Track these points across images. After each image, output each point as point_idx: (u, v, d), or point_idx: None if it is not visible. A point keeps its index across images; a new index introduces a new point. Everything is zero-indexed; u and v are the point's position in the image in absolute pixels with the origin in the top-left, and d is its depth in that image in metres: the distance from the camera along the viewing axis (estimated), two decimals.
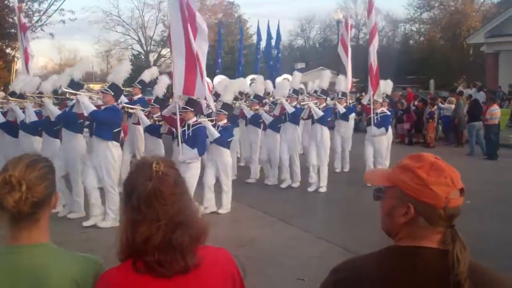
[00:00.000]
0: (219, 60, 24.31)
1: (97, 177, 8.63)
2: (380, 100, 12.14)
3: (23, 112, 9.91)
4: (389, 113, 12.41)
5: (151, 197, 1.78)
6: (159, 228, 1.76)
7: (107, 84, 10.63)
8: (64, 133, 9.43)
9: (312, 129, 11.76)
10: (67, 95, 9.34)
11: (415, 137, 19.78)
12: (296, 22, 58.08)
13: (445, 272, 1.57)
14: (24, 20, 14.62)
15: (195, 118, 9.11)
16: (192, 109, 9.07)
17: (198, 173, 8.99)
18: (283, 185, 11.83)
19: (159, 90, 11.02)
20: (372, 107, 11.92)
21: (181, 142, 8.84)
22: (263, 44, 24.86)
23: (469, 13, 41.55)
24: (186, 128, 8.97)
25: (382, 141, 12.14)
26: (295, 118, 11.80)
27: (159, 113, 10.36)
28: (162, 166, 1.82)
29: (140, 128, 10.94)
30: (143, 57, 49.86)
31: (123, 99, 11.09)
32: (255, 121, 12.52)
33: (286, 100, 11.66)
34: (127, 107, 10.64)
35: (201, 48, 8.53)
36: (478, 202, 9.09)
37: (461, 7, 42.31)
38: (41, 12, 26.02)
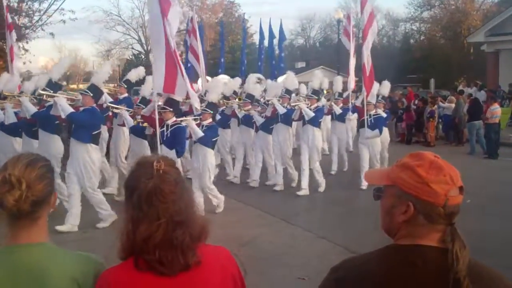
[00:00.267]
0: (222, 60, 24.16)
1: (79, 183, 8.38)
2: (374, 101, 11.87)
3: (4, 113, 9.74)
4: (384, 114, 12.13)
5: (152, 195, 1.79)
6: (160, 227, 1.77)
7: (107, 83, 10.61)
8: (41, 134, 9.31)
9: (303, 130, 11.55)
10: (45, 97, 9.11)
11: (416, 136, 19.77)
12: (297, 21, 58.31)
13: (445, 270, 1.57)
14: (11, 21, 14.54)
15: (174, 118, 8.86)
16: (171, 109, 8.82)
17: None
18: (277, 188, 11.48)
19: (146, 90, 10.69)
20: (365, 108, 11.66)
21: (160, 143, 8.56)
22: (265, 43, 24.76)
23: (469, 12, 41.53)
24: (165, 128, 8.72)
25: (377, 143, 11.87)
26: (287, 119, 11.54)
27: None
28: (163, 165, 1.84)
29: (125, 130, 10.68)
30: (143, 56, 49.83)
31: (108, 98, 10.94)
32: (248, 121, 12.21)
33: (278, 101, 11.50)
34: (112, 107, 10.40)
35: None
36: (479, 201, 9.11)
37: (462, 6, 42.28)
38: (42, 12, 25.96)
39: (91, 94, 8.63)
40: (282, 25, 24.03)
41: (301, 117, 11.31)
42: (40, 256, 1.88)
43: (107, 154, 11.48)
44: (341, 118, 13.47)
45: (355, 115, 15.61)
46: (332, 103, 13.51)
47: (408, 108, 20.02)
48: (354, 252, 6.29)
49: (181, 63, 8.32)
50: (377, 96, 12.97)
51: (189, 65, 19.01)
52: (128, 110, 10.19)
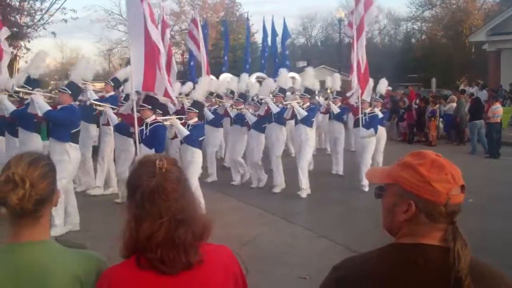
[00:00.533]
0: (226, 58, 24.02)
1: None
2: (369, 99, 11.65)
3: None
4: (379, 114, 11.81)
5: (154, 193, 1.79)
6: (162, 225, 1.78)
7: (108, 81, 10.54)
8: (20, 133, 9.18)
9: (295, 130, 11.34)
10: (21, 94, 8.90)
11: (417, 136, 19.76)
12: (298, 20, 58.13)
13: (446, 269, 1.57)
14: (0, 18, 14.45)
15: (153, 117, 8.62)
16: (150, 107, 8.57)
17: None
18: (276, 190, 11.17)
19: (129, 87, 10.15)
20: (360, 107, 11.39)
21: (139, 142, 8.33)
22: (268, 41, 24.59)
23: (471, 11, 41.49)
24: (144, 127, 8.47)
25: (371, 143, 11.45)
26: (280, 118, 11.26)
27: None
28: (165, 163, 1.84)
29: (111, 129, 10.42)
30: None
31: (93, 95, 10.76)
32: (240, 120, 11.94)
33: (272, 99, 11.33)
34: (96, 104, 10.12)
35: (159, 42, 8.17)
36: (480, 201, 9.11)
37: (463, 5, 42.25)
38: (43, 11, 26.02)
39: (69, 92, 8.40)
40: (286, 23, 23.90)
41: (294, 116, 11.10)
42: (42, 254, 1.88)
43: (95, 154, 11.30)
44: (339, 117, 13.22)
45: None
46: (330, 102, 13.29)
47: (409, 108, 20.02)
48: (355, 251, 6.29)
49: (161, 60, 8.04)
50: (375, 94, 12.89)
51: (192, 63, 18.99)
52: (113, 108, 9.90)
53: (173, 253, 1.78)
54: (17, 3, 25.41)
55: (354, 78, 13.99)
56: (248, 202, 10.22)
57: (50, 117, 8.24)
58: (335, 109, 13.00)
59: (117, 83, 11.60)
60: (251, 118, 11.43)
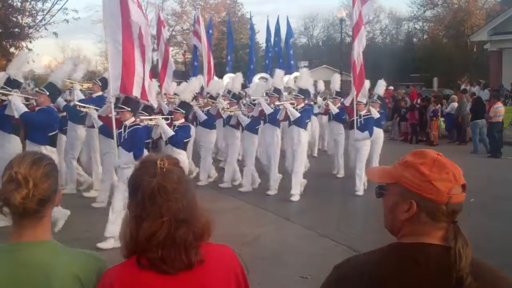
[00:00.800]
0: (229, 57, 23.85)
1: None
2: (364, 101, 11.26)
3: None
4: (376, 115, 11.58)
5: (155, 193, 1.80)
6: (163, 225, 1.78)
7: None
8: None
9: (288, 131, 11.00)
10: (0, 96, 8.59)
11: (419, 135, 19.75)
12: (299, 20, 58.14)
13: (447, 269, 1.57)
14: None
15: (133, 119, 8.19)
16: (129, 109, 8.12)
17: None
18: (271, 192, 10.89)
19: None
20: (355, 108, 11.02)
21: (117, 145, 7.96)
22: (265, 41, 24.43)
23: (472, 11, 41.47)
24: (122, 129, 8.07)
25: (366, 145, 11.08)
26: (274, 119, 10.90)
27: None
28: (166, 163, 1.85)
29: (96, 131, 10.08)
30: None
31: (80, 95, 10.61)
32: (233, 122, 11.60)
33: (266, 100, 11.04)
34: (80, 105, 9.83)
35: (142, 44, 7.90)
36: (482, 200, 9.11)
37: (465, 5, 42.24)
38: (45, 11, 26.04)
39: (47, 93, 8.22)
40: (289, 23, 23.74)
41: (287, 118, 10.76)
42: (44, 254, 1.88)
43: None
44: (338, 118, 12.79)
45: None
46: (329, 103, 12.96)
47: (412, 107, 20.01)
48: (356, 251, 6.30)
49: (137, 61, 7.75)
50: (373, 95, 12.67)
51: (195, 64, 18.95)
52: (96, 109, 9.60)
53: (174, 252, 1.78)
54: (19, 4, 25.43)
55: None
56: (250, 202, 10.22)
57: (26, 119, 8.08)
58: (334, 109, 12.71)
59: (105, 83, 11.42)
60: (244, 120, 11.19)
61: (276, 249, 7.41)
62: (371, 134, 10.90)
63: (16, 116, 8.03)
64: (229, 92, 12.70)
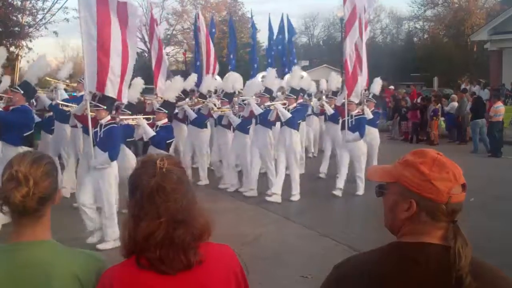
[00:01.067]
0: (231, 56, 23.68)
1: None
2: (356, 100, 10.85)
3: None
4: (370, 115, 11.42)
5: (154, 193, 1.79)
6: (161, 225, 1.78)
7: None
8: None
9: (280, 132, 10.62)
10: None
11: (420, 135, 19.74)
12: (300, 19, 58.09)
13: (447, 268, 1.57)
14: None
15: (109, 117, 7.91)
16: (105, 107, 7.84)
17: (114, 181, 7.61)
18: (248, 193, 10.66)
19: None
20: (346, 108, 10.63)
21: (93, 145, 7.68)
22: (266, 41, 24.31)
23: (473, 11, 41.47)
24: (98, 128, 7.76)
25: (358, 146, 10.76)
26: (265, 120, 10.56)
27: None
28: (166, 163, 1.84)
29: (80, 131, 9.66)
30: (146, 55, 49.81)
31: (64, 94, 10.47)
32: (225, 122, 11.32)
33: (256, 101, 10.74)
34: (62, 105, 9.65)
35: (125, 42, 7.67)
36: (482, 200, 9.10)
37: (465, 5, 42.24)
38: (45, 10, 26.05)
39: (22, 92, 8.02)
40: (290, 20, 23.60)
41: (278, 118, 10.44)
42: (43, 254, 1.88)
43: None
44: (334, 118, 12.25)
45: None
46: (324, 103, 12.63)
47: (412, 107, 20.01)
48: (357, 250, 6.30)
49: (114, 59, 7.50)
50: (368, 94, 12.50)
51: (198, 64, 18.94)
52: None
53: (172, 253, 1.78)
54: (19, 3, 25.44)
55: (362, 77, 13.67)
56: (250, 202, 10.22)
57: (0, 120, 7.83)
58: (329, 110, 12.32)
59: None
60: (234, 120, 10.91)
61: (277, 248, 7.41)
62: (362, 135, 10.59)
63: None
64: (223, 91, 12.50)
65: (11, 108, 8.17)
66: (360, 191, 10.69)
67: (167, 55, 51.65)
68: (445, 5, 44.45)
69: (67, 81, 10.84)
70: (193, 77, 13.50)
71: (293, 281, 6.25)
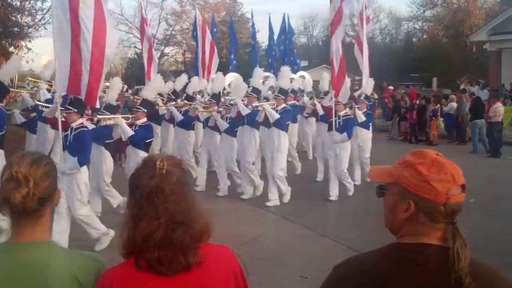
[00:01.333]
0: (232, 56, 23.57)
1: None
2: (344, 101, 10.47)
3: None
4: (359, 118, 11.17)
5: (152, 194, 1.79)
6: (159, 226, 1.78)
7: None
8: None
9: (268, 133, 10.33)
10: None
11: (418, 135, 19.74)
12: (299, 20, 58.07)
13: (446, 269, 1.57)
14: None
15: (80, 121, 7.65)
16: (76, 110, 7.55)
17: (85, 187, 7.30)
18: (244, 197, 10.49)
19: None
20: (333, 109, 10.27)
21: (63, 149, 7.38)
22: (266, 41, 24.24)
23: (472, 11, 41.46)
24: (69, 132, 7.50)
25: (345, 149, 10.43)
26: (253, 121, 10.32)
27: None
28: (166, 164, 1.84)
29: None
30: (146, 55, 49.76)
31: (47, 95, 10.31)
32: (211, 123, 11.00)
33: (243, 101, 10.51)
34: (41, 105, 9.48)
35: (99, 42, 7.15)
36: (481, 200, 9.11)
37: (464, 5, 42.23)
38: (44, 10, 26.00)
39: None
40: (290, 20, 23.53)
41: (267, 119, 10.05)
42: (42, 255, 1.88)
43: None
44: (325, 119, 11.48)
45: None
46: (316, 103, 12.18)
47: (411, 107, 20.02)
48: (356, 251, 6.30)
49: (84, 60, 7.04)
50: (359, 95, 12.29)
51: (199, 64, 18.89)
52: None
53: (171, 254, 1.78)
54: (18, 3, 25.38)
55: (364, 76, 13.20)
56: (249, 202, 10.21)
57: None
58: (321, 110, 11.81)
59: None
60: (221, 124, 10.59)
61: (276, 249, 7.41)
62: (349, 136, 10.27)
63: None
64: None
65: None
66: (333, 196, 10.26)
67: (166, 55, 51.88)
68: (444, 5, 44.44)
69: (52, 81, 10.78)
70: (184, 77, 13.47)
71: (292, 281, 6.25)
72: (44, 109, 9.37)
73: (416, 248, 1.65)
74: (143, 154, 8.16)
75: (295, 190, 10.52)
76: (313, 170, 12.74)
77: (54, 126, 7.97)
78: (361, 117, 11.41)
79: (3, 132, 8.03)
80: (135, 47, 51.15)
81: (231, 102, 10.63)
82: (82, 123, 7.67)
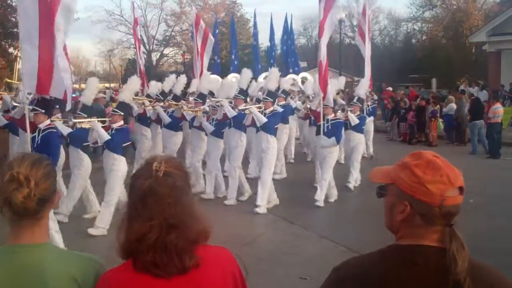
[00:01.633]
0: (233, 57, 23.47)
1: None
2: (331, 104, 10.21)
3: None
4: (352, 121, 10.98)
5: (147, 195, 1.78)
6: (152, 228, 1.76)
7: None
8: None
9: (256, 137, 10.05)
10: None
11: (417, 136, 19.72)
12: (298, 21, 57.95)
13: (446, 269, 1.57)
14: None
15: (48, 122, 7.48)
16: (44, 111, 7.39)
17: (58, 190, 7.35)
18: (243, 198, 10.29)
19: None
20: (321, 112, 9.96)
21: (31, 151, 6.93)
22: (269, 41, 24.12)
23: (471, 12, 41.45)
24: (36, 134, 7.33)
25: (333, 154, 10.02)
26: (240, 123, 10.11)
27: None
28: (163, 166, 1.82)
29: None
30: (145, 56, 49.81)
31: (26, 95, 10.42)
32: (197, 123, 10.78)
33: (230, 103, 10.33)
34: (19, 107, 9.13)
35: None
36: (481, 201, 9.11)
37: (463, 6, 42.23)
38: None
39: None
40: (290, 20, 23.44)
41: (254, 123, 9.84)
42: (41, 256, 1.88)
43: None
44: (316, 123, 11.01)
45: (371, 118, 14.68)
46: (308, 106, 12.12)
47: (410, 108, 20.00)
48: (356, 252, 6.30)
49: (59, 57, 6.82)
50: (352, 97, 12.12)
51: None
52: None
53: (166, 257, 1.77)
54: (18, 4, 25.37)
55: (366, 80, 13.03)
56: (249, 203, 10.18)
57: None
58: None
59: None
60: (207, 127, 10.36)
61: (275, 250, 7.41)
62: (338, 140, 9.96)
63: None
64: (211, 93, 12.12)
65: None
66: (320, 202, 9.81)
67: (166, 56, 51.86)
68: (444, 6, 44.44)
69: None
70: (172, 78, 13.36)
71: (292, 282, 6.26)
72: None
73: (415, 250, 1.65)
74: (119, 159, 8.24)
75: (294, 191, 10.54)
76: (313, 171, 12.76)
77: (22, 127, 7.75)
78: (354, 120, 11.18)
79: None
80: (134, 48, 51.19)
81: (217, 103, 10.38)
82: (50, 124, 7.52)
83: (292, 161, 14.40)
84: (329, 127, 9.96)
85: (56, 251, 1.95)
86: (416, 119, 19.35)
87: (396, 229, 1.74)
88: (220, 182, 10.55)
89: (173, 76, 13.65)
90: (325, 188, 9.96)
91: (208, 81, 12.23)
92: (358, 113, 11.67)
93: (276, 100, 11.23)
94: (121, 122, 8.58)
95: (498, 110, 16.29)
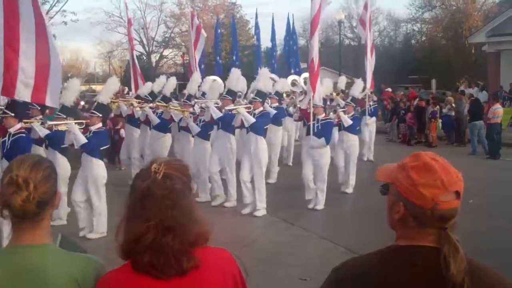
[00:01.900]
0: (234, 58, 23.40)
1: None
2: (321, 103, 9.93)
3: None
4: (345, 122, 10.75)
5: (144, 196, 1.79)
6: (149, 229, 1.76)
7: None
8: None
9: (245, 139, 9.80)
10: None
11: (418, 137, 19.72)
12: (298, 22, 57.87)
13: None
14: None
15: (19, 126, 7.30)
16: (13, 114, 7.20)
17: None
18: (215, 203, 10.00)
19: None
20: (311, 112, 9.70)
21: (1, 157, 7.02)
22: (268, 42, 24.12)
23: (470, 13, 41.48)
24: (7, 138, 7.14)
25: (324, 155, 9.76)
26: (227, 125, 9.81)
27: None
28: (162, 168, 1.82)
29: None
30: (145, 58, 49.85)
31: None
32: (186, 126, 10.54)
33: (216, 104, 10.13)
34: (3, 111, 8.86)
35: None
36: (480, 201, 9.11)
37: (463, 7, 42.24)
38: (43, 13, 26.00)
39: None
40: (291, 21, 23.40)
41: (243, 124, 9.59)
42: (42, 257, 1.89)
43: None
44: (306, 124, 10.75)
45: (373, 118, 14.69)
46: (298, 105, 11.83)
47: (409, 109, 20.01)
48: (355, 253, 6.30)
49: (23, 58, 6.60)
50: (347, 97, 11.89)
51: (202, 66, 18.88)
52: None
53: (163, 259, 1.76)
54: None
55: (367, 79, 13.14)
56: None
57: None
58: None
59: None
60: (193, 129, 10.21)
61: (275, 251, 7.42)
62: (328, 141, 9.66)
63: None
64: (203, 94, 12.00)
65: None
66: (320, 205, 9.76)
67: (165, 58, 51.87)
68: (443, 7, 44.46)
69: None
70: (162, 78, 13.27)
71: (292, 283, 6.26)
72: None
73: (414, 250, 1.65)
74: (97, 162, 8.06)
75: (294, 192, 10.53)
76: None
77: None
78: (347, 121, 10.90)
79: None
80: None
81: (202, 104, 10.23)
82: (20, 128, 7.35)
83: (291, 164, 14.34)
84: (319, 127, 9.69)
85: (56, 252, 1.96)
86: (415, 120, 19.35)
87: (395, 229, 1.75)
88: (214, 184, 10.22)
89: (163, 77, 13.52)
90: (324, 192, 9.88)
91: (197, 82, 12.14)
92: (353, 113, 11.48)
93: (269, 101, 11.13)
94: (100, 125, 8.37)
95: (498, 110, 16.30)
